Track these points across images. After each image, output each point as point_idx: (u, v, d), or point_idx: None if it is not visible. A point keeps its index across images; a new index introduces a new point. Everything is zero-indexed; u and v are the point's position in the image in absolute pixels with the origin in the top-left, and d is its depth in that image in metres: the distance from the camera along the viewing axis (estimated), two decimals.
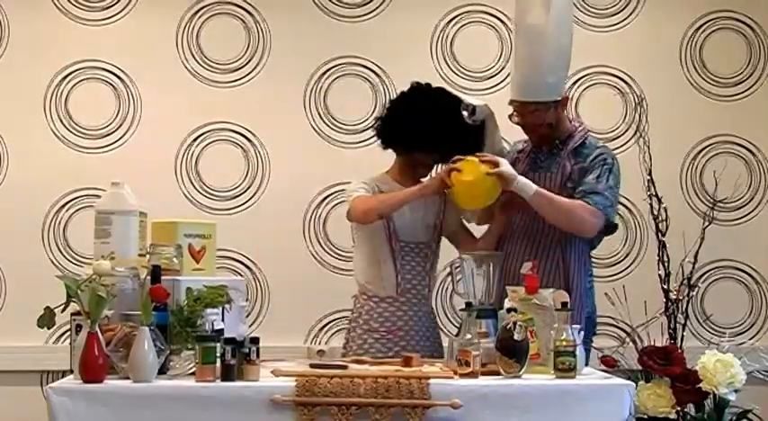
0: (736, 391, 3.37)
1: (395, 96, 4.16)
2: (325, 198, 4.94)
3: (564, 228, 3.82)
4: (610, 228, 3.90)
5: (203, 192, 4.96)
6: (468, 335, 3.28)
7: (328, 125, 4.97)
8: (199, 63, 4.98)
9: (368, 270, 4.03)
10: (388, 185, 4.03)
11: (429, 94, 4.02)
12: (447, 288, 4.95)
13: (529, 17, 3.87)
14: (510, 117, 3.94)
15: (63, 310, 3.19)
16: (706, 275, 4.96)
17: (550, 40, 3.85)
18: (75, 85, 4.93)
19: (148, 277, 3.28)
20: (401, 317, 3.99)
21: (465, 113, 3.93)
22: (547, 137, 3.95)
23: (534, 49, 3.85)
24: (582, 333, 3.42)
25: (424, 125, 3.92)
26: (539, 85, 3.86)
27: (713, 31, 5.11)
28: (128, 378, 3.14)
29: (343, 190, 4.64)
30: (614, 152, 4.90)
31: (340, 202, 4.87)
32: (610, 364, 3.55)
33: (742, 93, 5.11)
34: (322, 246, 4.95)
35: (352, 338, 4.06)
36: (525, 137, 4.03)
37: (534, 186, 3.75)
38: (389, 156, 4.11)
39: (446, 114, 3.93)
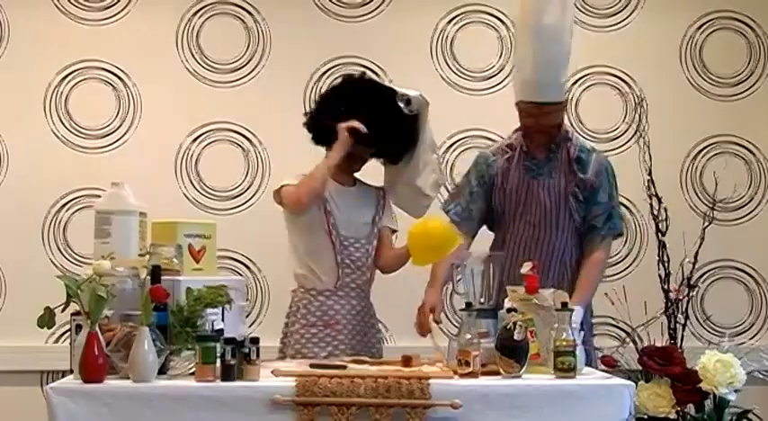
0: (736, 391, 3.37)
1: (324, 90, 4.12)
2: None
3: None
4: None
5: (203, 192, 4.96)
6: (468, 335, 3.28)
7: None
8: (199, 63, 4.98)
9: (307, 261, 3.99)
10: (329, 183, 3.97)
11: (362, 87, 4.00)
12: (447, 288, 4.95)
13: (546, 17, 3.86)
14: (522, 122, 3.94)
15: (63, 310, 3.19)
16: (706, 275, 4.96)
17: (565, 41, 3.88)
18: (75, 85, 4.94)
19: (148, 277, 3.28)
20: (339, 310, 3.95)
21: (401, 104, 3.91)
22: (554, 138, 3.96)
23: (552, 49, 3.86)
24: (582, 333, 3.42)
25: (362, 117, 3.86)
26: (555, 86, 3.88)
27: (713, 31, 5.11)
28: (128, 378, 3.14)
29: None
30: (614, 152, 4.94)
31: None
32: (610, 364, 3.55)
33: (742, 93, 5.11)
34: None
35: (290, 333, 4.01)
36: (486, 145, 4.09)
37: (579, 309, 3.68)
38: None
39: (382, 106, 3.90)
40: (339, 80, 4.10)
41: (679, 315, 4.06)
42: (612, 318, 4.56)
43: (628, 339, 3.86)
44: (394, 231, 4.12)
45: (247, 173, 4.98)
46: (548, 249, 3.92)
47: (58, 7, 4.94)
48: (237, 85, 5.00)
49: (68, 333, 3.40)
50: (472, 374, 3.23)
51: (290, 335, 4.02)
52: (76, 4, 4.95)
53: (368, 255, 4.00)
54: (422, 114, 3.96)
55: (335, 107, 3.93)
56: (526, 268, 3.56)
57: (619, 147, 4.98)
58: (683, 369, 3.40)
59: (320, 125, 3.95)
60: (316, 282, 3.98)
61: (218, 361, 3.16)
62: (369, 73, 4.87)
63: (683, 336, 4.09)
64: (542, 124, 3.92)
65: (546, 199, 3.93)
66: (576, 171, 3.92)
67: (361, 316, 3.99)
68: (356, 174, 4.06)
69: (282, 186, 3.93)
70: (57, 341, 4.66)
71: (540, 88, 3.88)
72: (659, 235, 4.21)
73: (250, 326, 4.60)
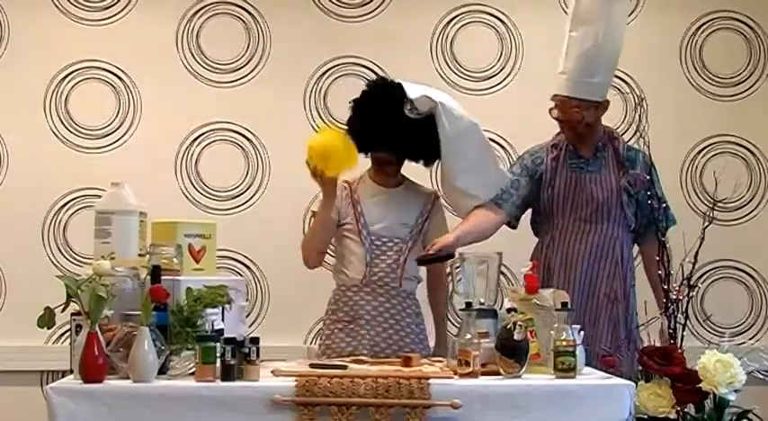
0: (736, 391, 3.37)
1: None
2: None
3: None
4: None
5: (203, 192, 4.96)
6: (468, 335, 3.28)
7: (328, 125, 4.96)
8: (199, 63, 4.98)
9: (339, 259, 4.10)
10: (365, 184, 4.08)
11: (378, 92, 4.00)
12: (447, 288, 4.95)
13: (591, 15, 3.97)
14: (550, 111, 4.05)
15: (63, 310, 3.19)
16: (706, 275, 4.96)
17: (608, 42, 3.99)
18: (75, 85, 4.93)
19: (148, 277, 3.28)
20: (363, 306, 3.99)
21: (405, 109, 3.91)
22: (582, 136, 4.06)
23: (590, 46, 3.97)
24: (582, 333, 3.42)
25: (372, 124, 3.92)
26: (586, 84, 3.99)
27: (713, 31, 5.11)
28: (128, 378, 3.14)
29: None
30: None
31: None
32: (610, 364, 3.55)
33: (742, 93, 5.11)
34: None
35: (323, 329, 4.13)
36: (537, 142, 4.20)
37: None
38: None
39: (392, 111, 3.89)
40: (365, 87, 4.11)
41: (679, 315, 4.05)
42: None
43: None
44: None
45: (247, 173, 4.98)
46: (598, 242, 4.03)
47: (58, 7, 4.94)
48: (237, 85, 4.99)
49: (68, 333, 3.40)
50: (472, 374, 3.23)
51: (322, 331, 4.13)
52: (76, 4, 4.95)
53: (401, 253, 4.02)
54: (436, 114, 3.92)
55: (357, 113, 4.00)
56: (526, 268, 3.56)
57: None
58: (683, 369, 3.40)
59: (351, 131, 4.00)
60: (344, 278, 4.05)
61: (218, 361, 3.17)
62: (367, 72, 4.89)
63: (682, 336, 4.08)
64: (569, 119, 4.03)
65: (598, 192, 4.06)
66: (626, 168, 4.07)
67: (391, 314, 4.00)
68: (408, 176, 4.13)
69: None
70: (57, 341, 4.66)
71: (568, 82, 4.01)
72: (659, 235, 4.20)
73: (250, 326, 4.60)
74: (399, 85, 3.95)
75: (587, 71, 3.99)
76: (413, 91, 3.90)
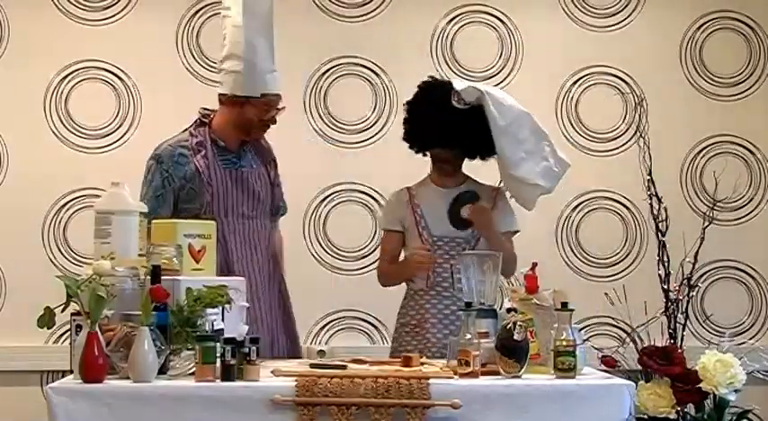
0: (736, 391, 3.37)
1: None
2: (325, 198, 4.94)
3: None
4: None
5: None
6: (468, 335, 3.28)
7: (328, 125, 4.97)
8: (199, 63, 4.99)
9: None
10: (425, 187, 4.09)
11: (429, 91, 4.04)
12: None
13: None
14: (263, 115, 4.06)
15: (63, 310, 3.19)
16: (706, 275, 4.96)
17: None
18: (75, 85, 4.94)
19: (148, 277, 3.28)
20: (429, 310, 3.99)
21: (454, 101, 3.92)
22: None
23: (267, 39, 4.03)
24: (582, 332, 3.42)
25: (425, 121, 3.97)
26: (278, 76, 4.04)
27: (713, 31, 5.11)
28: (128, 378, 3.14)
29: (342, 190, 4.67)
30: (614, 152, 4.94)
31: (340, 202, 4.87)
32: (610, 364, 3.55)
33: (742, 93, 5.11)
34: (322, 246, 4.95)
35: (395, 331, 4.14)
36: None
37: None
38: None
39: (442, 106, 3.92)
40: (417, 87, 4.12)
41: (679, 315, 4.05)
42: (612, 318, 4.55)
43: (628, 339, 3.86)
44: (515, 232, 4.13)
45: None
46: (259, 236, 4.07)
47: (58, 7, 4.94)
48: None
49: (68, 333, 3.40)
50: (472, 374, 3.23)
51: (393, 334, 4.15)
52: (76, 4, 4.95)
53: None
54: (484, 104, 3.91)
55: (411, 112, 4.05)
56: (526, 268, 3.56)
57: (619, 147, 4.98)
58: (683, 369, 3.40)
59: (406, 131, 4.06)
60: (410, 283, 4.06)
61: (219, 361, 3.17)
62: (367, 72, 4.89)
63: (682, 336, 4.08)
64: (271, 118, 4.08)
65: (258, 188, 4.08)
66: (272, 159, 4.16)
67: (457, 315, 3.99)
68: (469, 174, 4.12)
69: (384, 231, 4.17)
70: (57, 341, 4.66)
71: (273, 79, 4.05)
72: (659, 235, 4.20)
73: None
74: (450, 82, 3.99)
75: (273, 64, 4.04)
76: (459, 83, 3.95)
